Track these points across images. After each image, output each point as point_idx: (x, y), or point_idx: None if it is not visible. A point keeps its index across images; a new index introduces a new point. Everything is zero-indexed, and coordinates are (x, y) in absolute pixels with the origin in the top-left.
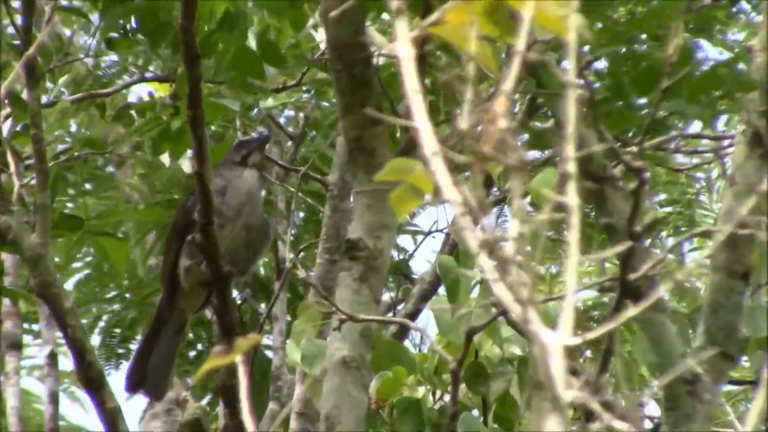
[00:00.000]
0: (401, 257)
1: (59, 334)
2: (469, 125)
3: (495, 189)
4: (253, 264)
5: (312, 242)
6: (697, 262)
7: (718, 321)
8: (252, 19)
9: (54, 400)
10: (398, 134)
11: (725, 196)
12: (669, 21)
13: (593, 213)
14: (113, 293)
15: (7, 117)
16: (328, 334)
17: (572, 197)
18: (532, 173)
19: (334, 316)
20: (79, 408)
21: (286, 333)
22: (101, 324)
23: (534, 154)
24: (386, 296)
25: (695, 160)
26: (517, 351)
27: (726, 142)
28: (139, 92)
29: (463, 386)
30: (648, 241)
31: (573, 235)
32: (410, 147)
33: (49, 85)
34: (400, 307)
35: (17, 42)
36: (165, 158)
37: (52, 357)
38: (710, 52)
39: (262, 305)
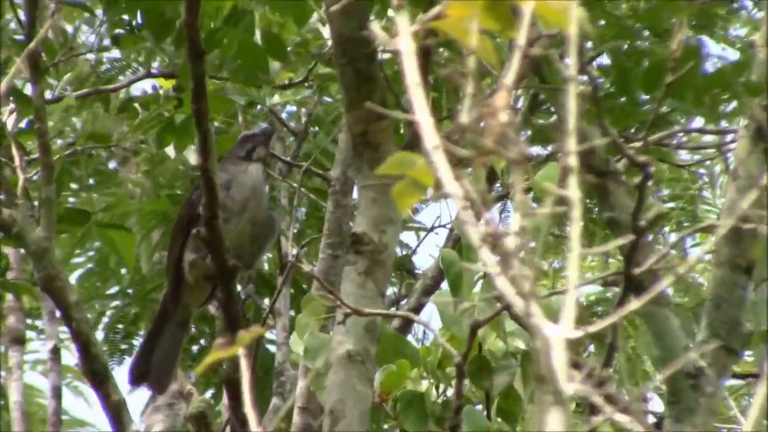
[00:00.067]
0: (404, 253)
1: (62, 329)
2: (471, 119)
3: (498, 184)
4: (258, 258)
5: (314, 237)
6: (700, 255)
7: (721, 315)
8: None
9: (57, 394)
10: (403, 129)
11: (728, 190)
12: (675, 14)
13: (596, 208)
14: (115, 288)
15: (11, 112)
16: (331, 328)
17: (574, 191)
18: (534, 168)
19: (339, 310)
20: (82, 402)
21: (289, 328)
22: (105, 320)
23: (536, 150)
24: (389, 291)
25: (697, 157)
26: (520, 345)
27: (729, 138)
28: (144, 87)
29: (466, 380)
30: (651, 237)
31: (575, 229)
32: (415, 141)
33: (53, 82)
34: (403, 303)
35: (20, 37)
36: (170, 150)
37: (55, 352)
38: (712, 49)
39: (266, 300)
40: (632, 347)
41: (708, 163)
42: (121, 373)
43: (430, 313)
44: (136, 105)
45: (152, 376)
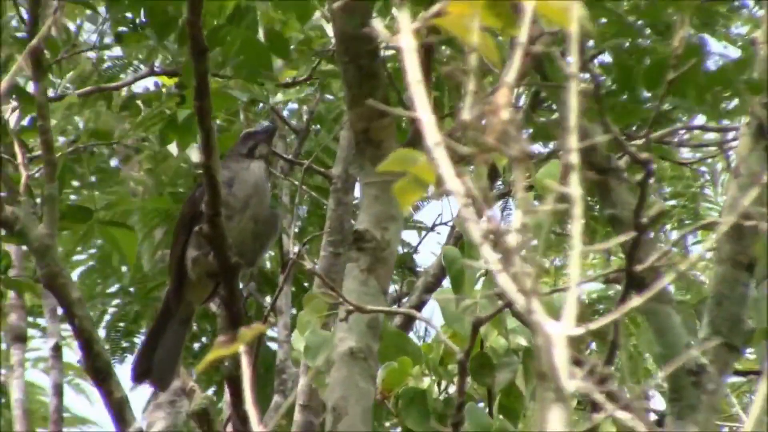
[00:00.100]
0: (406, 251)
1: (64, 326)
2: (473, 117)
3: (500, 182)
4: (260, 255)
5: (316, 235)
6: (702, 251)
7: (723, 312)
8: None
9: (58, 392)
10: (405, 126)
11: (730, 188)
12: (677, 11)
13: (597, 206)
14: (116, 286)
15: (14, 109)
16: (332, 325)
17: (575, 188)
18: (536, 166)
19: (341, 307)
20: (84, 400)
21: (290, 326)
22: (106, 318)
23: (537, 147)
24: (390, 289)
25: (699, 155)
26: (522, 342)
27: (730, 135)
28: (146, 85)
29: (468, 377)
30: (652, 234)
31: (576, 226)
32: (417, 138)
33: (55, 80)
34: (404, 300)
35: (22, 34)
36: (173, 148)
37: (57, 349)
38: (713, 47)
39: (267, 298)
40: (634, 345)
41: (710, 161)
42: (123, 371)
43: (431, 311)
44: (139, 102)
45: (155, 373)
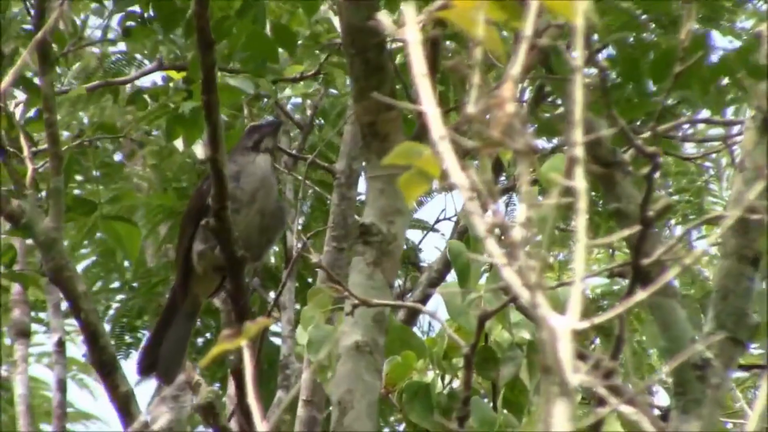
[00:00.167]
0: (409, 246)
1: (68, 321)
2: (478, 110)
3: (503, 177)
4: (267, 249)
5: (320, 230)
6: (707, 245)
7: (728, 306)
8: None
9: (61, 387)
10: (411, 118)
11: (735, 182)
12: (686, 2)
13: (600, 201)
14: (119, 283)
15: (17, 104)
16: (335, 319)
17: (580, 181)
18: (540, 160)
19: (347, 301)
20: (88, 395)
21: (294, 322)
22: (110, 313)
23: (541, 143)
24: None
25: (703, 150)
26: (526, 336)
27: (735, 130)
28: (154, 79)
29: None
30: (656, 229)
31: (581, 220)
32: (423, 132)
33: (60, 72)
34: (408, 295)
35: (29, 26)
36: (178, 143)
37: (60, 345)
38: (719, 42)
39: (271, 293)
40: (638, 341)
41: (714, 156)
42: (128, 365)
43: (435, 306)
44: (146, 96)
45: (160, 366)
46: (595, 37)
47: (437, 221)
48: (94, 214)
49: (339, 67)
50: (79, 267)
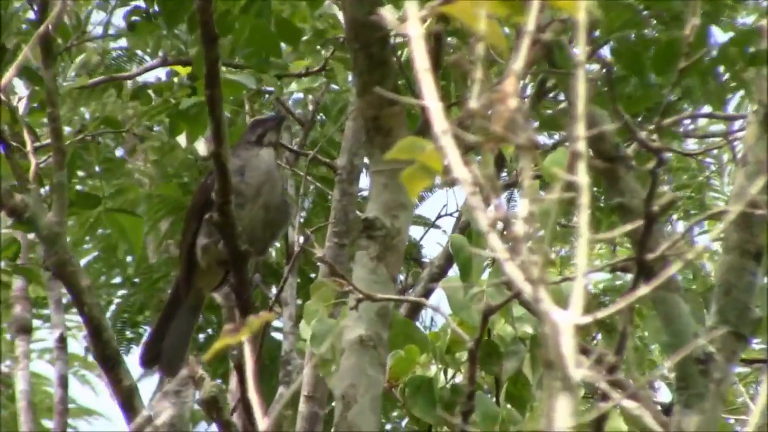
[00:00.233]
0: (410, 242)
1: (69, 317)
2: (480, 105)
3: (504, 173)
4: (270, 244)
5: (321, 225)
6: (710, 240)
7: (731, 301)
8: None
9: (63, 383)
10: (414, 113)
11: (737, 177)
12: None
13: (602, 196)
14: (120, 278)
15: (20, 98)
16: (337, 313)
17: (582, 176)
18: (542, 155)
19: (351, 296)
20: (89, 391)
21: (295, 317)
22: (111, 308)
23: (542, 138)
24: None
25: (704, 146)
26: (529, 330)
27: (736, 126)
28: (158, 75)
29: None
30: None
31: (583, 214)
32: (427, 127)
33: (64, 66)
34: (410, 291)
35: (32, 17)
36: (181, 139)
37: (62, 341)
38: (720, 38)
39: (272, 289)
40: (639, 337)
41: (715, 152)
42: (129, 361)
43: (437, 301)
44: (150, 92)
45: (164, 359)
46: (597, 33)
47: (438, 217)
48: (97, 208)
49: (341, 62)
50: (81, 263)
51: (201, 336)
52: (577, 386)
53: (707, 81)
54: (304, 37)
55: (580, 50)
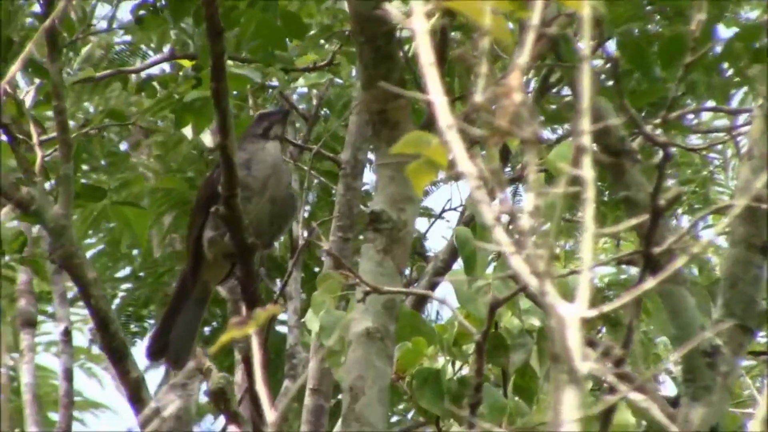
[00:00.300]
0: (415, 235)
1: (73, 310)
2: (485, 99)
3: (509, 167)
4: (277, 237)
5: (325, 219)
6: (715, 234)
7: (737, 294)
8: None
9: (68, 376)
10: (420, 107)
11: (742, 171)
12: None
13: (607, 191)
14: (126, 270)
15: (27, 91)
16: (343, 306)
17: (588, 170)
18: (547, 149)
19: (358, 288)
20: (96, 384)
21: (300, 311)
22: (116, 302)
23: (546, 133)
24: None
25: (708, 141)
26: (536, 322)
27: (740, 122)
28: (163, 67)
29: None
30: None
31: (588, 208)
32: (432, 120)
33: (69, 58)
34: (414, 285)
35: (37, 9)
36: (187, 131)
37: (67, 334)
38: (724, 33)
39: (277, 283)
40: (644, 332)
41: (720, 147)
42: (138, 352)
43: (442, 295)
44: (155, 84)
45: (171, 351)
46: (602, 28)
47: (443, 211)
48: (103, 201)
49: (346, 56)
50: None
51: (206, 329)
52: (583, 379)
53: (711, 76)
54: (311, 32)
55: (584, 45)
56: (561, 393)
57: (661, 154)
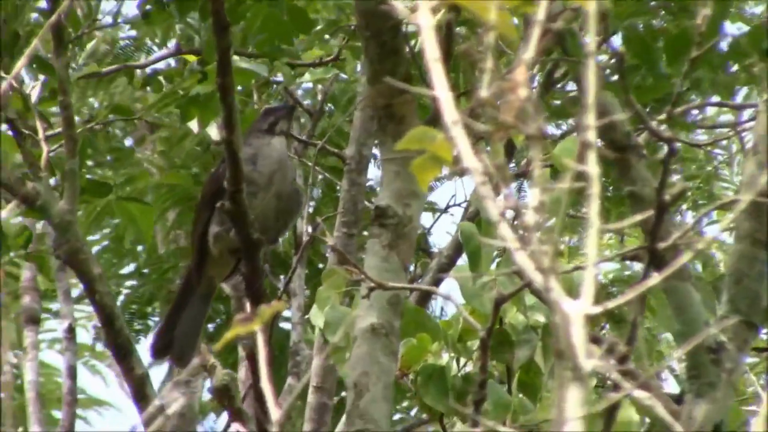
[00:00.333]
0: (420, 231)
1: (78, 308)
2: (490, 94)
3: (513, 163)
4: (282, 232)
5: (330, 215)
6: (720, 230)
7: (742, 290)
8: None
9: (72, 374)
10: (426, 102)
11: (747, 166)
12: None
13: (611, 186)
14: (131, 267)
15: (33, 86)
16: (347, 302)
17: (593, 166)
18: (552, 145)
19: (363, 284)
20: (100, 381)
21: (303, 308)
22: (120, 299)
23: (550, 129)
24: None
25: (713, 137)
26: (541, 318)
27: (745, 117)
28: (169, 61)
29: None
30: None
31: (593, 204)
32: (438, 115)
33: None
34: (418, 281)
35: (43, 6)
36: (193, 125)
37: (71, 331)
38: (728, 29)
39: (281, 278)
40: (647, 328)
41: (724, 142)
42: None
43: (448, 291)
44: (161, 78)
45: (175, 348)
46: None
47: (448, 206)
48: (108, 196)
49: (351, 51)
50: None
51: (210, 326)
52: (587, 376)
53: (717, 73)
54: (319, 26)
55: (590, 39)
56: (565, 390)
57: (666, 149)
